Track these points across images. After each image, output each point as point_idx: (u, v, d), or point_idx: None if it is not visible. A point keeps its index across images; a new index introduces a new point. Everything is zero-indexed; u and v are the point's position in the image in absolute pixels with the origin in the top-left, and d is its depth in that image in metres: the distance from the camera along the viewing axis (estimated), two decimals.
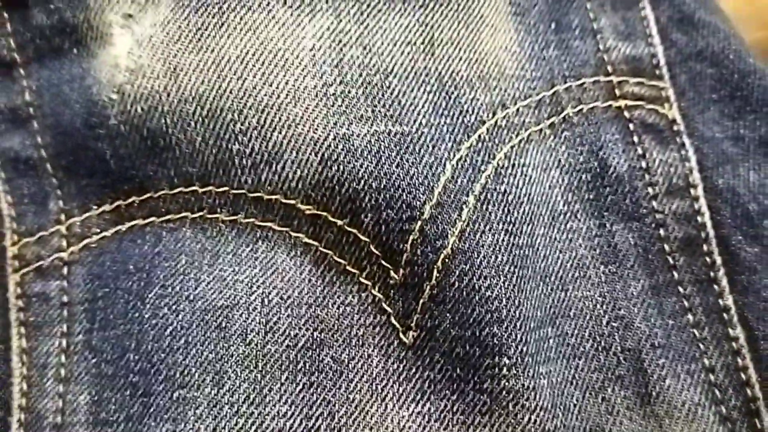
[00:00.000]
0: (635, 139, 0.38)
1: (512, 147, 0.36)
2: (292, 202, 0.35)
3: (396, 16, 0.37)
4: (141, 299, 0.35)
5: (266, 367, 0.33)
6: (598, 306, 0.36)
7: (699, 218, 0.37)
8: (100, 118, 0.37)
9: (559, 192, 0.37)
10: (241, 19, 0.36)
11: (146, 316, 0.34)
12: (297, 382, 0.33)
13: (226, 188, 0.35)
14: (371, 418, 0.33)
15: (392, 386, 0.33)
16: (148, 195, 0.36)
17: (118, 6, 0.37)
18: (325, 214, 0.34)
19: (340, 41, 0.36)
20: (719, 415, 0.35)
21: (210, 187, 0.35)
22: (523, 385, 0.33)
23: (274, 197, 0.35)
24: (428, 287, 0.34)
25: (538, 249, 0.35)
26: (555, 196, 0.36)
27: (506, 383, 0.33)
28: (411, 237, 0.34)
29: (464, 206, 0.34)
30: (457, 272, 0.34)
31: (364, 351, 0.34)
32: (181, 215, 0.35)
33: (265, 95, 0.35)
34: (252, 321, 0.34)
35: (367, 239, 0.34)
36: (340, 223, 0.34)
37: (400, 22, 0.37)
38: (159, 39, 0.36)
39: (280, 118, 0.35)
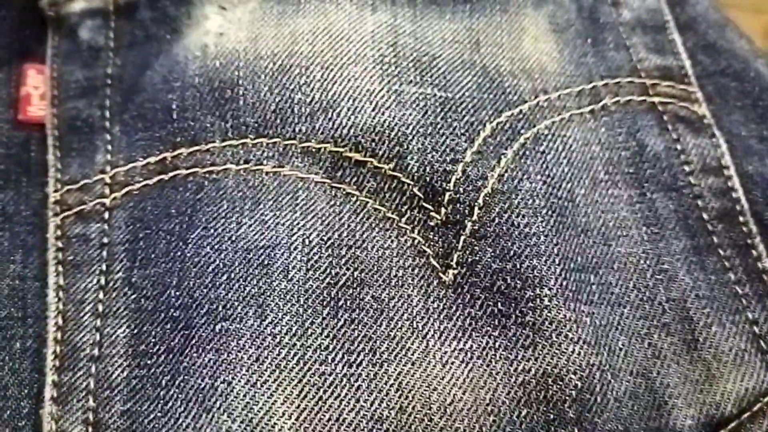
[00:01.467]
0: (669, 126, 0.40)
1: (553, 122, 0.38)
2: (341, 150, 0.35)
3: (445, 22, 0.40)
4: (183, 240, 0.35)
5: (308, 302, 0.33)
6: (642, 261, 0.36)
7: (733, 194, 0.38)
8: (179, 73, 0.38)
9: (600, 164, 0.38)
10: (315, 7, 0.39)
11: (188, 254, 0.34)
12: (338, 317, 0.33)
13: (277, 139, 0.36)
14: (413, 354, 0.32)
15: (433, 324, 0.33)
16: (196, 148, 0.37)
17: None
18: (371, 160, 0.35)
19: (396, 31, 0.39)
20: (765, 363, 0.35)
21: (262, 139, 0.36)
22: (565, 316, 0.33)
23: (323, 146, 0.36)
24: (470, 223, 0.34)
25: (578, 205, 0.36)
26: (596, 166, 0.38)
27: (548, 314, 0.33)
28: (454, 177, 0.35)
29: (502, 157, 0.36)
30: (497, 210, 0.34)
31: (403, 291, 0.33)
32: (225, 167, 0.36)
33: (330, 57, 0.37)
34: (293, 259, 0.34)
35: (410, 182, 0.35)
36: (385, 167, 0.35)
37: (449, 26, 0.40)
38: (246, 18, 0.40)
39: (341, 74, 0.37)
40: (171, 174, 0.37)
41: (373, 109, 0.36)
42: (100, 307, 0.34)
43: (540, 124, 0.37)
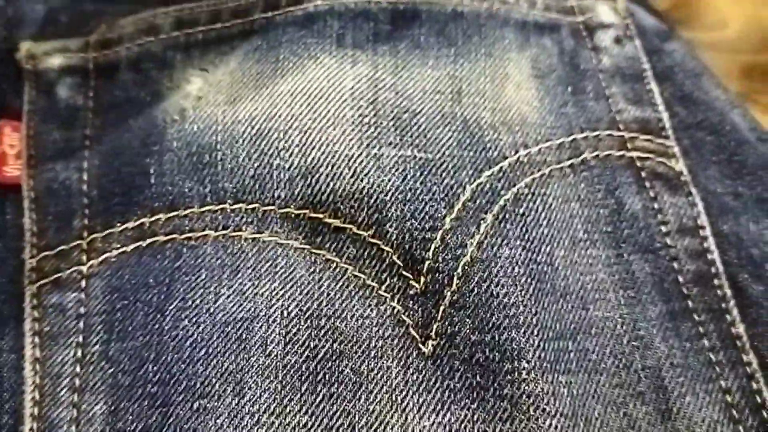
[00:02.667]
0: (647, 184, 0.39)
1: (533, 179, 0.37)
2: (320, 216, 0.35)
3: (427, 69, 0.40)
4: (161, 311, 0.34)
5: (287, 378, 0.32)
6: (619, 326, 0.36)
7: (708, 255, 0.38)
8: (157, 137, 0.38)
9: (579, 221, 0.37)
10: (293, 65, 0.39)
11: (166, 327, 0.34)
12: (317, 393, 0.32)
13: (256, 205, 0.36)
14: (392, 429, 0.32)
15: (412, 397, 0.33)
16: (174, 213, 0.36)
17: (197, 62, 0.41)
18: (350, 226, 0.35)
19: (376, 86, 0.38)
20: None
21: (240, 205, 0.36)
22: (543, 389, 0.32)
23: (302, 212, 0.35)
24: (449, 293, 0.34)
25: (557, 268, 0.36)
26: (575, 224, 0.37)
27: (526, 387, 0.32)
28: (433, 245, 0.35)
29: (482, 222, 0.35)
30: (476, 279, 0.34)
31: (383, 363, 0.33)
32: (204, 233, 0.35)
33: (309, 119, 0.37)
34: (272, 332, 0.33)
35: (390, 249, 0.34)
36: (364, 234, 0.35)
37: (431, 74, 0.40)
38: (225, 81, 0.39)
39: (320, 138, 0.36)
40: (149, 240, 0.36)
41: (352, 175, 0.36)
42: (77, 382, 0.34)
43: (520, 182, 0.37)
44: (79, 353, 0.34)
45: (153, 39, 0.40)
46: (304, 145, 0.36)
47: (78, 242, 0.37)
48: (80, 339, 0.35)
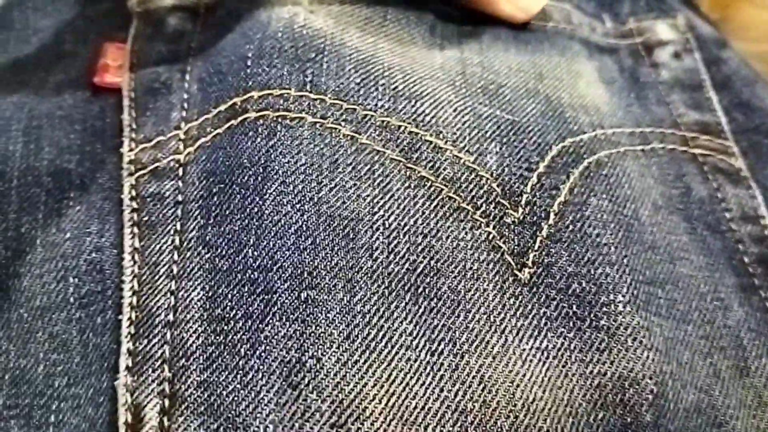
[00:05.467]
0: (710, 177, 0.41)
1: (611, 152, 0.38)
2: (421, 132, 0.35)
3: (510, 55, 0.41)
4: (260, 194, 0.32)
5: (392, 285, 0.31)
6: (702, 285, 0.36)
7: None
8: (260, 28, 0.37)
9: (657, 193, 0.38)
10: (394, 32, 0.40)
11: (266, 211, 0.32)
12: (419, 304, 0.31)
13: (357, 107, 0.35)
14: (493, 348, 0.31)
15: (510, 320, 0.32)
16: (268, 92, 0.35)
17: None
18: (450, 148, 0.34)
19: (464, 62, 0.39)
20: None
21: (342, 102, 0.35)
22: (638, 323, 0.32)
23: (403, 124, 0.35)
24: (546, 226, 0.34)
25: (644, 224, 0.36)
26: (654, 194, 0.38)
27: (622, 320, 0.32)
28: (530, 182, 0.35)
29: (570, 174, 0.36)
30: (571, 218, 0.34)
31: (479, 285, 0.32)
32: (300, 116, 0.34)
33: (409, 68, 0.37)
34: (376, 239, 0.32)
35: (489, 176, 0.34)
36: (464, 158, 0.34)
37: (514, 58, 0.41)
38: (335, 10, 0.39)
39: (420, 82, 0.37)
40: (240, 118, 0.34)
41: (454, 111, 0.36)
42: (175, 269, 0.32)
43: (600, 153, 0.37)
44: (177, 240, 0.33)
45: None
46: (407, 79, 0.36)
47: (175, 132, 0.36)
48: (178, 226, 0.33)
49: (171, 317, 0.31)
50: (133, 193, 0.34)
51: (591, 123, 0.39)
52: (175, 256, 0.32)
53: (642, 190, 0.37)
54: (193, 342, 0.31)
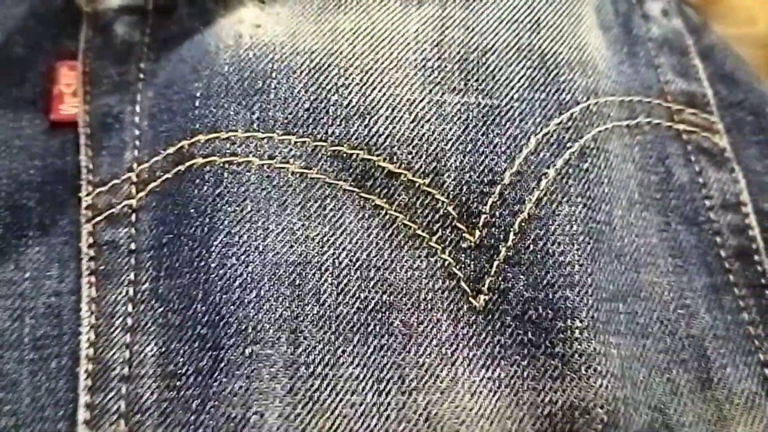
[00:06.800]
0: (692, 158, 0.39)
1: (600, 132, 0.36)
2: (374, 158, 0.33)
3: (502, 1, 0.37)
4: (206, 246, 0.32)
5: (339, 329, 0.31)
6: (666, 293, 0.35)
7: (750, 231, 0.38)
8: (208, 62, 0.36)
9: (634, 183, 0.36)
10: (357, 3, 0.37)
11: (212, 265, 0.32)
12: (368, 344, 0.31)
13: (307, 139, 0.34)
14: (442, 383, 0.31)
15: (462, 351, 0.31)
16: (215, 135, 0.34)
17: None
18: (405, 172, 0.33)
19: (443, 25, 0.36)
20: None
21: (290, 137, 0.34)
22: (595, 349, 0.31)
23: (355, 152, 0.33)
24: (504, 249, 0.32)
25: (615, 228, 0.34)
26: (631, 186, 0.36)
27: (578, 346, 0.31)
28: (491, 199, 0.33)
29: (543, 177, 0.33)
30: (533, 236, 0.32)
31: (433, 315, 0.32)
32: (247, 159, 0.33)
33: (370, 60, 0.35)
34: (324, 282, 0.32)
35: (445, 199, 0.33)
36: (419, 182, 0.33)
37: (507, 3, 0.37)
38: (285, 12, 0.37)
39: (381, 80, 0.34)
40: (188, 164, 0.34)
41: (412, 120, 0.34)
42: (130, 321, 0.33)
43: (587, 134, 0.35)
44: (131, 291, 0.33)
45: None
46: (364, 84, 0.34)
47: (128, 175, 0.35)
48: (132, 276, 0.33)
49: (126, 371, 0.32)
50: (90, 240, 0.34)
51: (586, 88, 0.36)
52: (130, 308, 0.33)
53: (621, 182, 0.35)
54: (148, 398, 0.31)
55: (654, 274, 0.35)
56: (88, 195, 0.35)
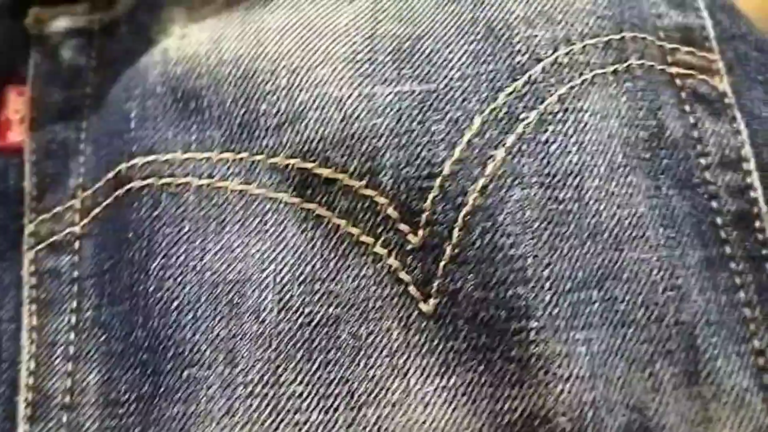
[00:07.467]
0: (687, 107, 0.34)
1: (571, 88, 0.32)
2: (310, 165, 0.32)
3: None
4: (144, 270, 0.32)
5: (281, 346, 0.30)
6: (655, 272, 0.30)
7: (751, 193, 0.33)
8: (139, 80, 0.35)
9: (618, 143, 0.32)
10: (285, 1, 0.35)
11: (150, 289, 0.31)
12: (313, 360, 0.30)
13: (244, 154, 0.32)
14: (393, 395, 0.29)
15: (414, 360, 0.30)
16: (153, 158, 0.33)
17: (184, 1, 0.38)
18: (342, 176, 0.31)
19: (376, 17, 0.34)
20: (767, 402, 0.30)
21: (228, 154, 0.33)
22: (554, 350, 0.28)
23: (291, 161, 0.32)
24: (449, 247, 0.30)
25: (588, 203, 0.31)
26: (614, 147, 0.32)
27: (535, 349, 0.28)
28: (431, 195, 0.31)
29: (489, 161, 0.31)
30: (479, 230, 0.30)
31: (382, 324, 0.30)
32: (185, 180, 0.32)
33: (298, 57, 0.33)
34: (264, 299, 0.30)
35: (384, 201, 0.31)
36: (357, 185, 0.31)
37: None
38: (210, 17, 0.36)
39: (308, 78, 0.33)
40: (126, 187, 0.33)
41: (342, 119, 0.32)
42: (72, 350, 0.32)
43: (551, 96, 0.32)
44: (74, 320, 0.33)
45: None
46: (292, 86, 0.33)
47: (71, 202, 0.35)
48: (74, 305, 0.33)
49: (68, 400, 0.32)
50: (32, 268, 0.34)
51: (553, 39, 0.33)
52: (72, 336, 0.33)
53: (599, 145, 0.32)
54: (90, 426, 0.31)
55: (641, 250, 0.31)
56: (30, 222, 0.35)
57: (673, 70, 0.35)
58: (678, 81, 0.35)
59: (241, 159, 0.32)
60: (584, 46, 0.33)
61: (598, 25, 0.34)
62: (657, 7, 0.36)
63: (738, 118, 0.34)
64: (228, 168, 0.33)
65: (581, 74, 0.32)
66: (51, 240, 0.35)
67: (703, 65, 0.35)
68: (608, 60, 0.33)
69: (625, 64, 0.33)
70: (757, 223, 0.33)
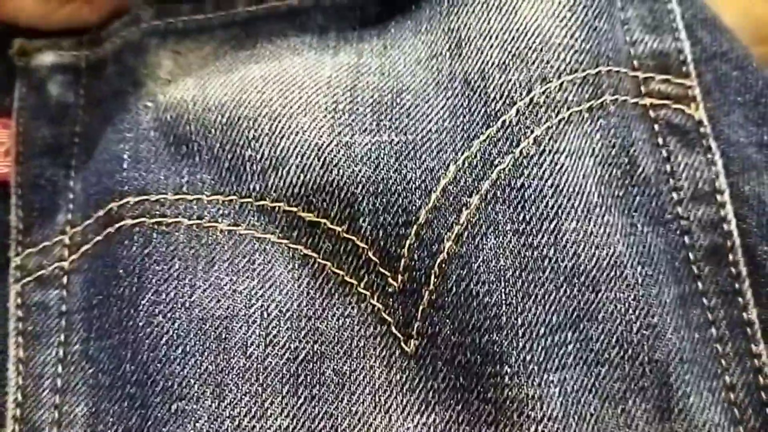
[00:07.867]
0: (660, 141, 0.35)
1: (548, 129, 0.32)
2: (294, 209, 0.33)
3: (421, 35, 0.36)
4: (134, 306, 0.32)
5: (267, 380, 0.31)
6: (631, 311, 0.31)
7: (725, 226, 0.34)
8: (131, 123, 0.36)
9: (593, 183, 0.32)
10: (269, 52, 0.37)
11: (140, 324, 0.32)
12: (298, 395, 0.31)
13: (233, 197, 0.34)
14: (376, 430, 0.31)
15: (396, 397, 0.31)
16: (144, 197, 0.34)
17: (171, 46, 0.38)
18: (324, 221, 0.33)
19: (358, 71, 0.35)
20: None
21: (218, 196, 0.34)
22: (527, 394, 0.30)
23: (277, 205, 0.33)
24: (427, 293, 0.31)
25: (565, 246, 0.31)
26: (589, 187, 0.32)
27: (509, 392, 0.30)
28: (408, 242, 0.32)
29: (464, 208, 0.32)
30: (454, 277, 0.31)
31: (365, 362, 0.31)
32: (176, 220, 0.33)
33: (279, 106, 0.34)
34: (252, 334, 0.31)
35: (365, 245, 0.32)
36: (338, 229, 0.32)
37: (426, 38, 0.36)
38: (197, 64, 0.37)
39: (289, 126, 0.34)
40: (117, 225, 0.34)
41: (322, 166, 0.33)
42: (59, 382, 0.33)
43: (527, 139, 0.32)
44: (61, 353, 0.33)
45: (135, 29, 0.38)
46: (274, 133, 0.34)
47: (60, 237, 0.35)
48: (62, 338, 0.34)
49: (55, 431, 0.32)
50: (19, 301, 0.34)
51: (528, 80, 0.33)
52: (59, 369, 0.33)
53: (575, 186, 0.32)
54: None
55: (618, 290, 0.31)
56: (17, 256, 0.35)
57: (647, 101, 0.35)
58: (652, 113, 0.35)
59: (231, 201, 0.34)
60: (561, 83, 0.33)
61: (575, 60, 0.34)
62: (632, 34, 0.36)
63: (713, 148, 0.34)
64: (218, 209, 0.33)
65: (558, 113, 0.33)
66: (38, 274, 0.35)
67: (678, 93, 0.36)
68: (584, 96, 0.33)
69: (600, 100, 0.34)
70: (731, 257, 0.33)
